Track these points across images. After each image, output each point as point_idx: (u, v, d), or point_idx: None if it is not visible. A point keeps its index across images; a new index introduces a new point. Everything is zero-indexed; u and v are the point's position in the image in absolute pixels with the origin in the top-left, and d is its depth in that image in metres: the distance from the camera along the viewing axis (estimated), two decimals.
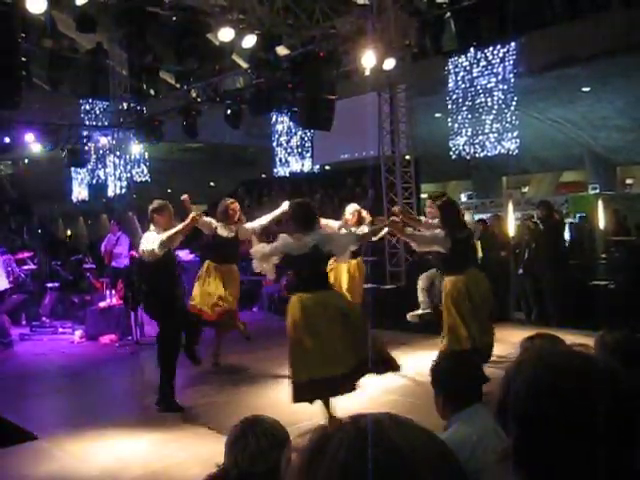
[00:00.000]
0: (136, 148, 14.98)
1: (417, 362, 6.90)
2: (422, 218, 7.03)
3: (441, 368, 2.76)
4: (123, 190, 14.83)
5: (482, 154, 11.92)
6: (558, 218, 10.01)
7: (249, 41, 9.38)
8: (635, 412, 0.98)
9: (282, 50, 9.44)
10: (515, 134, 11.45)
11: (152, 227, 5.79)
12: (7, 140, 12.74)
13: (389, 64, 9.49)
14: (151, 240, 5.64)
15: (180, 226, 5.70)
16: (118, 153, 14.89)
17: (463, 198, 19.37)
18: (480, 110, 11.65)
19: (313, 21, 9.94)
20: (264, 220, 7.05)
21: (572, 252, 10.59)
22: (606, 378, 0.97)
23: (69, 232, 24.07)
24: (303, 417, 4.70)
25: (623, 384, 0.98)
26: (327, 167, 15.99)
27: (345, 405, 5.05)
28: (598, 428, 0.93)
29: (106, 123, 14.93)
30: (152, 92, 13.30)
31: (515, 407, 1.00)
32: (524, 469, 0.98)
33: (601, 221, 10.80)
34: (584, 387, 0.96)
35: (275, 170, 16.18)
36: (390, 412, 0.82)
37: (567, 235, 11.42)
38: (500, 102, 11.37)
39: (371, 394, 5.17)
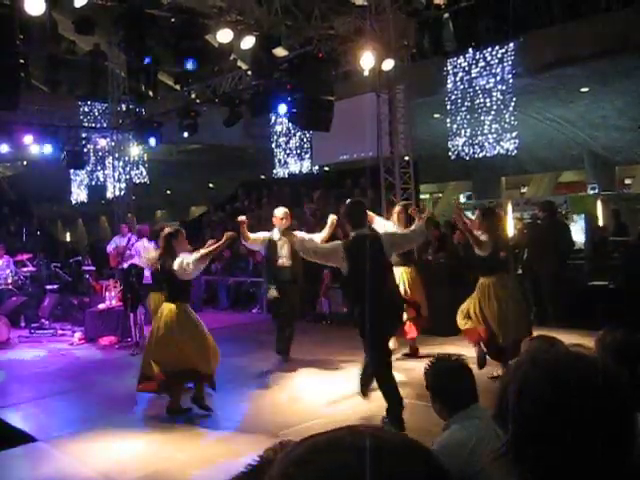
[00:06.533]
0: (135, 150, 14.99)
1: (420, 362, 6.90)
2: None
3: (433, 372, 2.73)
4: (122, 192, 14.83)
5: (481, 154, 11.92)
6: (559, 218, 10.00)
7: (248, 42, 9.39)
8: (633, 410, 0.98)
9: (281, 51, 9.43)
10: (514, 134, 11.45)
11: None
12: (5, 142, 12.76)
13: (388, 65, 9.49)
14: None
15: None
16: (117, 155, 14.90)
17: (462, 199, 19.36)
18: (479, 110, 11.66)
19: (311, 22, 9.94)
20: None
21: (579, 252, 10.51)
22: (602, 377, 0.97)
23: (68, 234, 24.07)
24: (304, 416, 4.70)
25: (622, 383, 0.98)
26: (326, 168, 15.98)
27: (347, 405, 5.06)
28: (595, 426, 0.93)
29: (105, 125, 14.94)
30: (151, 93, 13.30)
31: (512, 407, 1.01)
32: (521, 467, 0.98)
33: (600, 221, 10.80)
34: (578, 386, 0.96)
35: (274, 171, 16.19)
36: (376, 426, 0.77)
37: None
38: (499, 102, 11.37)
39: (373, 395, 5.15)
